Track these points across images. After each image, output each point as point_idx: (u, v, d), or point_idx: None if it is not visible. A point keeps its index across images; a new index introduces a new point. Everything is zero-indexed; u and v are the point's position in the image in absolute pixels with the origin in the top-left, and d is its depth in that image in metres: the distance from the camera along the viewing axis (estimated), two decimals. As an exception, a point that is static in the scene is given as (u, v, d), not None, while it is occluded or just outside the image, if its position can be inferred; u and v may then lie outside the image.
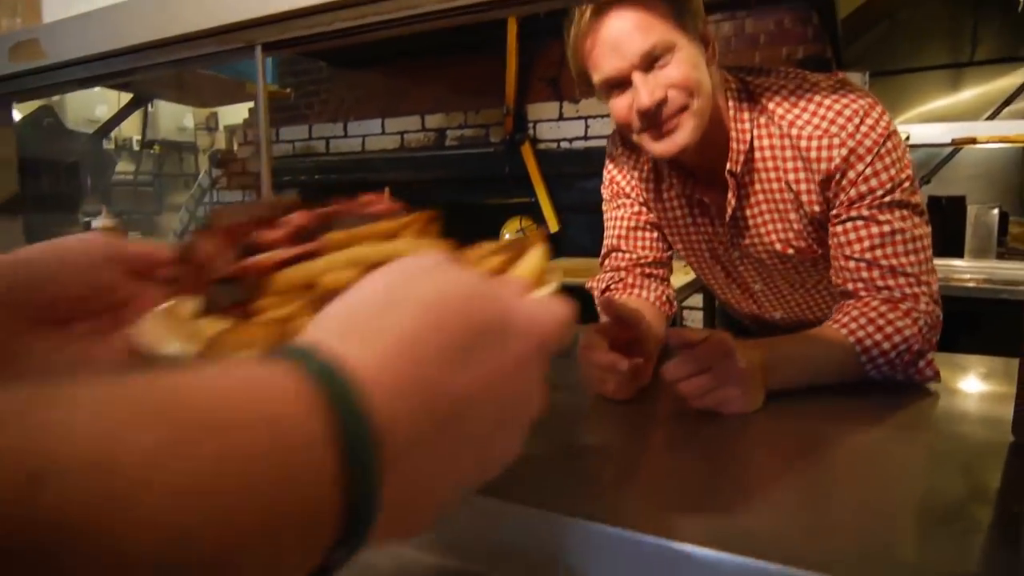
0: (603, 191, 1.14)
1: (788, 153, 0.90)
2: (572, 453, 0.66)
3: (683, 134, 0.86)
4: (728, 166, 0.92)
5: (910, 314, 0.82)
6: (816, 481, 0.61)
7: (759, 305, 1.17)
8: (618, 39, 0.84)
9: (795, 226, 0.95)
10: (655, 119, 0.86)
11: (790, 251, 0.97)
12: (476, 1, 0.48)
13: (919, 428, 0.72)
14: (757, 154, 0.92)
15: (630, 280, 1.09)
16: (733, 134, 0.91)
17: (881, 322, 0.81)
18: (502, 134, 3.10)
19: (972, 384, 0.87)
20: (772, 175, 0.92)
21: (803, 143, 0.88)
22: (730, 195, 0.95)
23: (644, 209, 1.10)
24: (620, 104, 0.88)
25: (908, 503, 0.56)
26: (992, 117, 3.00)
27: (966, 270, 2.34)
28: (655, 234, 1.10)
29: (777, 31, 2.63)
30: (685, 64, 0.85)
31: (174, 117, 4.98)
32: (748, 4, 2.63)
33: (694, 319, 2.82)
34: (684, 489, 0.58)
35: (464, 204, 3.41)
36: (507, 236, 3.25)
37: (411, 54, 3.29)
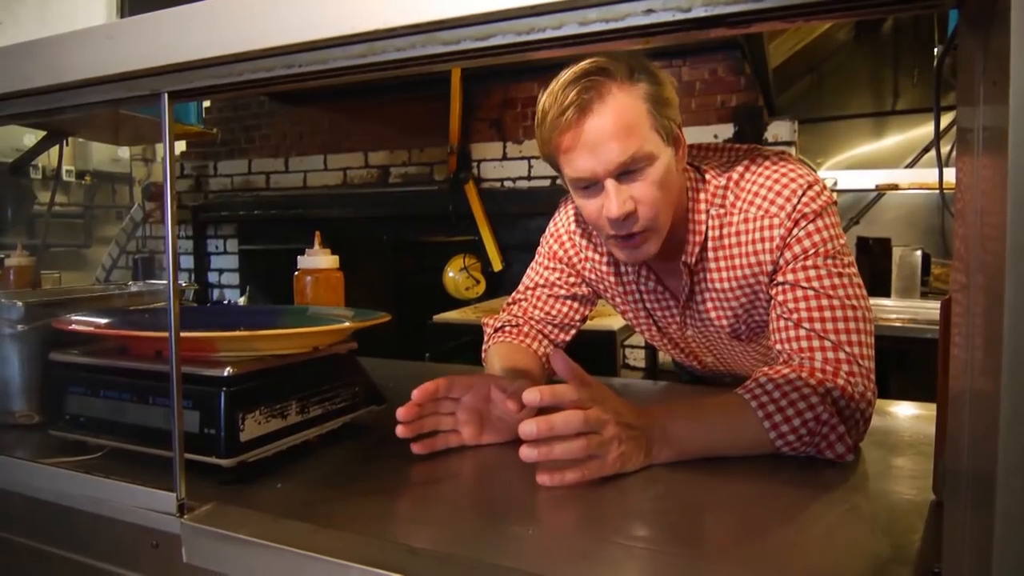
0: (543, 248, 1.13)
1: (742, 239, 0.91)
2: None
3: (648, 248, 0.88)
4: (684, 257, 0.94)
5: (823, 384, 0.78)
6: (736, 543, 0.60)
7: (710, 370, 1.19)
8: (598, 143, 0.81)
9: (748, 309, 0.96)
10: (622, 228, 0.86)
11: (740, 331, 0.99)
12: (384, 60, 0.47)
13: (843, 488, 0.71)
14: (711, 244, 0.94)
15: (526, 329, 1.09)
16: (690, 226, 0.93)
17: (787, 388, 0.77)
18: (446, 172, 3.10)
19: (899, 436, 0.88)
20: (724, 264, 0.94)
21: (750, 225, 0.89)
22: (684, 283, 0.97)
23: (581, 283, 1.10)
24: (593, 205, 0.86)
25: (829, 565, 0.56)
26: (913, 163, 3.16)
27: (893, 309, 2.42)
28: (575, 305, 1.11)
29: (712, 79, 2.72)
30: (655, 183, 0.84)
31: (108, 147, 4.80)
32: (683, 53, 2.72)
33: (636, 357, 2.84)
34: (589, 549, 0.56)
35: (408, 242, 3.38)
36: (451, 274, 3.23)
37: (355, 92, 3.28)
